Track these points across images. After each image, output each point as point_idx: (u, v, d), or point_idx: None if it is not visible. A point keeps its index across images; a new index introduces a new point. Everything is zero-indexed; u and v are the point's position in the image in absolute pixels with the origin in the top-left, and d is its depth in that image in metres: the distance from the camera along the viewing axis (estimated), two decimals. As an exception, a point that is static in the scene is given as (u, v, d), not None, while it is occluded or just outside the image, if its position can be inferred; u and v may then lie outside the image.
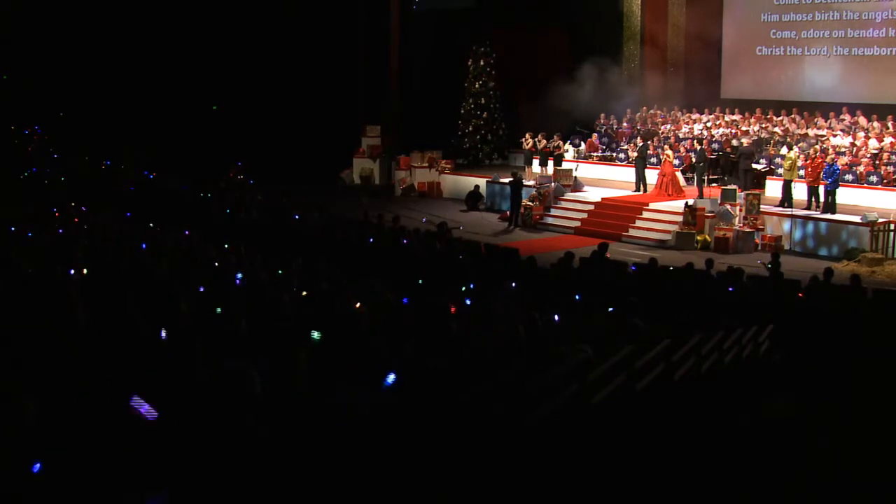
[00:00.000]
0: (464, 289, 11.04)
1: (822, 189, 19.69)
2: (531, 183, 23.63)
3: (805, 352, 10.49)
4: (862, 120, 22.54)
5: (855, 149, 21.40)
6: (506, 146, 29.61)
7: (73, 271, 9.56)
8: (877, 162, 20.71)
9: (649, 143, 24.03)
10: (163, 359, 5.64)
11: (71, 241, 13.13)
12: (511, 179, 22.87)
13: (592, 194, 23.10)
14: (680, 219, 20.11)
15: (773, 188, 20.97)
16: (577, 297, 11.01)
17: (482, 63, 29.28)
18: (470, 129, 29.54)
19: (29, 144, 30.41)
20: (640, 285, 12.66)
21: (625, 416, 7.43)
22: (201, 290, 9.01)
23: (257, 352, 6.25)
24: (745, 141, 22.51)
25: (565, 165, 24.42)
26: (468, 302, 10.65)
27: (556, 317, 9.17)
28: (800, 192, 20.13)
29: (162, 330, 6.59)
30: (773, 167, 21.85)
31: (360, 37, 31.55)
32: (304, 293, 9.26)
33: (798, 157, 20.47)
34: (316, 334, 6.22)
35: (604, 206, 22.23)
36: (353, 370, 5.93)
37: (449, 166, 27.86)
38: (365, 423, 5.10)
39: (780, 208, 20.10)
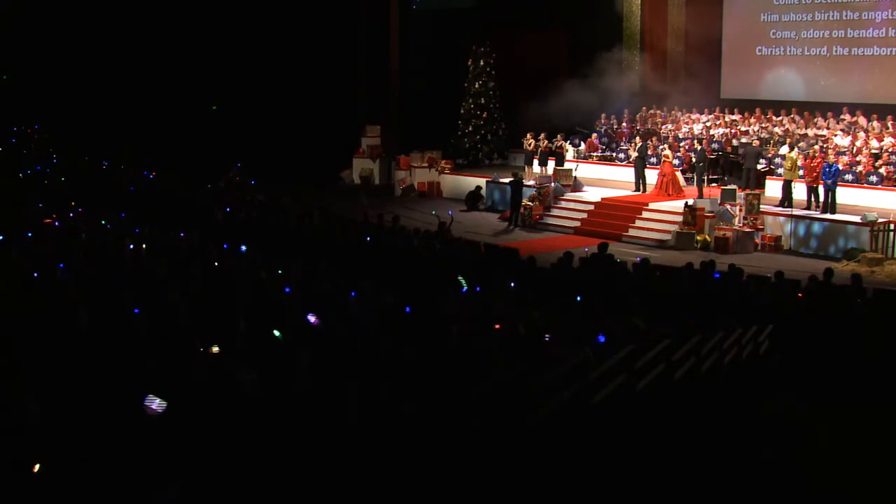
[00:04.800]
0: (464, 289, 11.04)
1: (821, 189, 19.68)
2: (531, 183, 23.62)
3: (805, 352, 10.49)
4: (862, 120, 22.52)
5: (855, 149, 21.39)
6: (506, 146, 29.59)
7: (72, 271, 9.56)
8: (877, 162, 20.69)
9: (648, 142, 24.01)
10: (162, 358, 5.64)
11: (71, 241, 13.13)
12: (511, 179, 22.88)
13: (592, 194, 23.09)
14: (680, 219, 20.11)
15: (773, 188, 20.96)
16: (577, 297, 11.00)
17: (482, 63, 29.25)
18: (470, 129, 29.50)
19: (29, 144, 30.40)
20: (640, 285, 12.66)
21: (625, 416, 7.44)
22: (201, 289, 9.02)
23: (257, 351, 6.26)
24: (755, 141, 22.40)
25: (565, 165, 24.42)
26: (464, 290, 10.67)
27: (557, 317, 9.17)
28: (800, 192, 20.13)
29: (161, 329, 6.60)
30: (772, 167, 21.84)
31: (360, 37, 31.54)
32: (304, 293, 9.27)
33: (798, 157, 20.46)
34: (277, 332, 6.31)
35: (604, 206, 22.22)
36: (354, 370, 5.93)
37: (449, 166, 27.85)
38: (367, 424, 5.10)
39: (780, 208, 20.10)
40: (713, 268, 13.19)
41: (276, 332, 6.55)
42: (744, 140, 22.69)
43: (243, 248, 13.40)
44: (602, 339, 8.10)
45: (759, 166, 21.34)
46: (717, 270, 13.12)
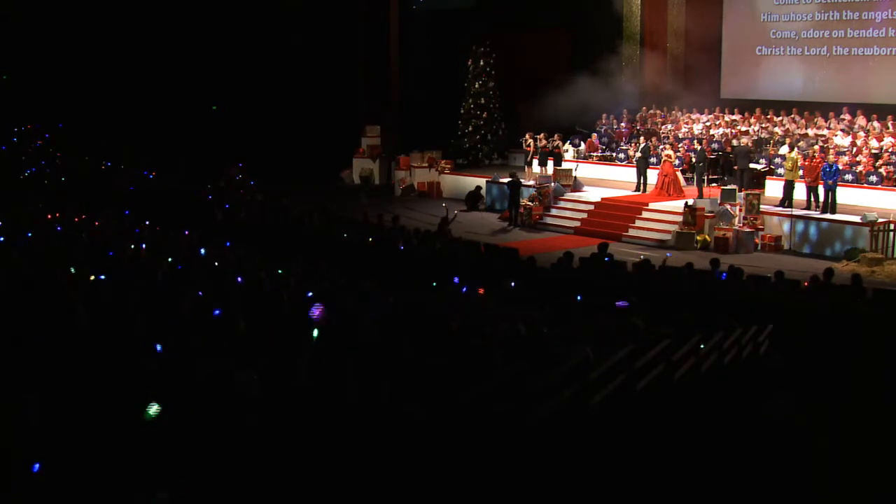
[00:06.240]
0: (465, 289, 11.05)
1: (821, 189, 19.68)
2: (531, 183, 23.66)
3: (805, 352, 10.49)
4: (862, 120, 22.53)
5: (855, 149, 21.39)
6: (506, 146, 29.60)
7: (73, 271, 9.56)
8: (877, 162, 20.68)
9: (649, 142, 24.01)
10: (162, 358, 5.64)
11: (71, 241, 13.13)
12: (509, 179, 22.98)
13: (592, 194, 23.09)
14: (680, 219, 20.11)
15: (773, 188, 20.95)
16: (577, 297, 11.00)
17: (482, 63, 29.26)
18: (470, 129, 29.52)
19: (29, 144, 30.40)
20: (639, 285, 12.65)
21: (625, 416, 7.44)
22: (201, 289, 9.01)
23: (257, 352, 6.26)
24: (743, 140, 22.49)
25: (565, 165, 24.42)
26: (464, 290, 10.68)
27: (556, 317, 9.17)
28: (800, 192, 20.13)
29: (161, 330, 6.60)
30: (772, 167, 21.84)
31: (360, 37, 31.55)
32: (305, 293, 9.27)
33: (798, 157, 20.46)
34: (315, 332, 6.32)
35: (604, 206, 22.22)
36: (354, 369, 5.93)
37: (449, 166, 27.85)
38: (367, 423, 5.10)
39: (780, 208, 20.09)
40: (717, 266, 13.21)
41: (315, 332, 6.57)
42: (742, 139, 22.71)
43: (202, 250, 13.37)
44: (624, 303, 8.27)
45: (758, 166, 21.32)
46: (719, 271, 13.14)
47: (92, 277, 9.29)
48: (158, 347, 5.91)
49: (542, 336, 7.75)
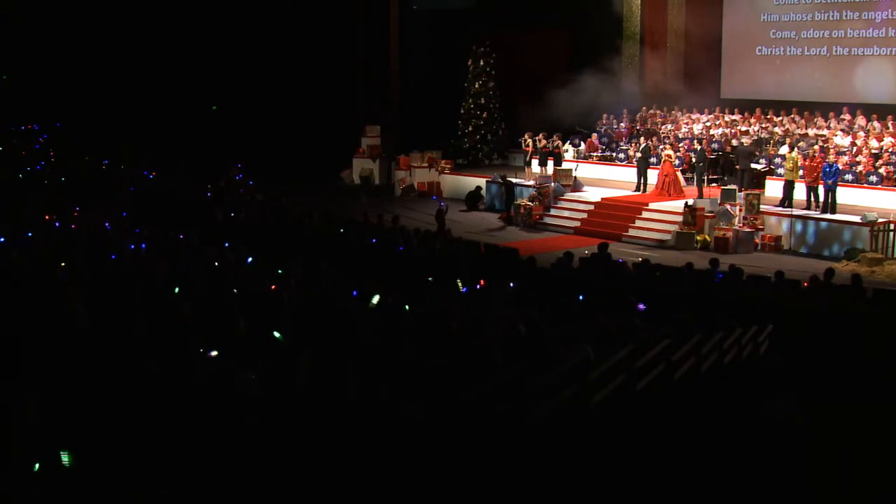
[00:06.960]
0: (465, 290, 11.05)
1: (821, 189, 19.68)
2: (531, 183, 23.76)
3: (805, 352, 10.48)
4: (862, 120, 22.53)
5: (855, 149, 21.39)
6: (506, 146, 29.62)
7: (73, 271, 9.56)
8: (877, 162, 20.68)
9: (650, 142, 24.03)
10: (162, 358, 5.64)
11: (71, 241, 13.13)
12: (501, 181, 23.54)
13: (592, 194, 23.10)
14: (680, 219, 20.11)
15: (773, 188, 20.95)
16: (578, 297, 11.00)
17: (482, 63, 29.28)
18: (470, 129, 29.54)
19: (29, 144, 30.40)
20: (639, 285, 12.65)
21: (625, 416, 7.44)
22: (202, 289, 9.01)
23: (257, 352, 6.26)
24: (745, 140, 22.51)
25: (565, 165, 24.45)
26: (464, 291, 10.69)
27: (556, 317, 9.16)
28: (800, 192, 20.13)
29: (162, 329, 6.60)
30: (772, 167, 21.85)
31: (359, 37, 31.55)
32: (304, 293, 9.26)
33: (798, 157, 20.46)
34: (277, 334, 6.34)
35: (604, 206, 22.23)
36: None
37: (449, 166, 27.87)
38: (367, 423, 5.10)
39: (780, 208, 20.09)
40: (717, 266, 13.22)
41: (277, 334, 6.55)
42: (743, 140, 22.72)
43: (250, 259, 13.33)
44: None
45: (757, 166, 21.33)
46: (719, 271, 13.14)
47: (63, 264, 9.31)
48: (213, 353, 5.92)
49: (542, 336, 7.74)
